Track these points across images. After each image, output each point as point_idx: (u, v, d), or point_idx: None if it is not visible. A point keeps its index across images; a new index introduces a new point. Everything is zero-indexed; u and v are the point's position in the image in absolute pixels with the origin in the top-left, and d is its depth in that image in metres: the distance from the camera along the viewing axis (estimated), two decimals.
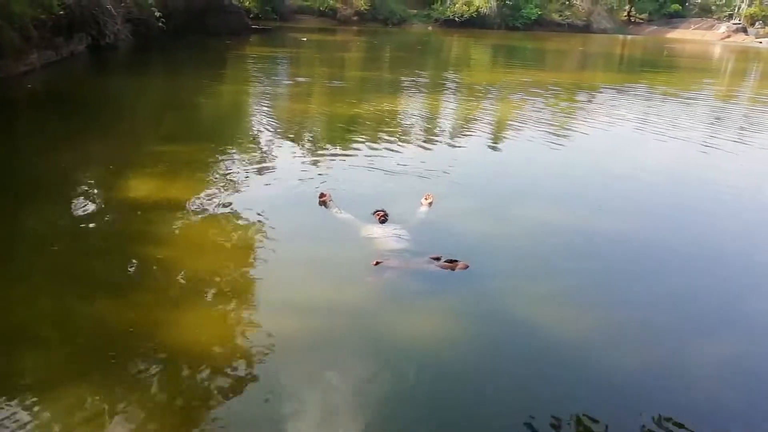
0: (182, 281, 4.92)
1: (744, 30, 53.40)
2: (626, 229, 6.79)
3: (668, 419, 3.68)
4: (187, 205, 6.44)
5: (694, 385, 4.14)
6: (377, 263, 5.12)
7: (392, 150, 9.35)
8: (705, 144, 11.37)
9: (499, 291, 5.17)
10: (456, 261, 5.18)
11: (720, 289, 5.64)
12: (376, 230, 5.86)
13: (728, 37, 52.32)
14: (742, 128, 13.26)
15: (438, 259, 5.22)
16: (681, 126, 12.71)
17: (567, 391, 3.95)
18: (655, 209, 7.55)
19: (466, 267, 5.15)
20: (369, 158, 8.83)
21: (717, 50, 42.99)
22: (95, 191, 6.86)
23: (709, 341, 4.72)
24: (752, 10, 55.85)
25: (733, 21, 55.60)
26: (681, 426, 3.64)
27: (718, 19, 57.78)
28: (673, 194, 8.33)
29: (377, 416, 3.58)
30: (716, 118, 14.61)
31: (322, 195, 6.58)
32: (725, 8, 59.15)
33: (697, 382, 4.18)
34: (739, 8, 57.30)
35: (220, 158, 8.37)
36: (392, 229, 5.87)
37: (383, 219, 6.08)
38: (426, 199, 6.68)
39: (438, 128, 11.61)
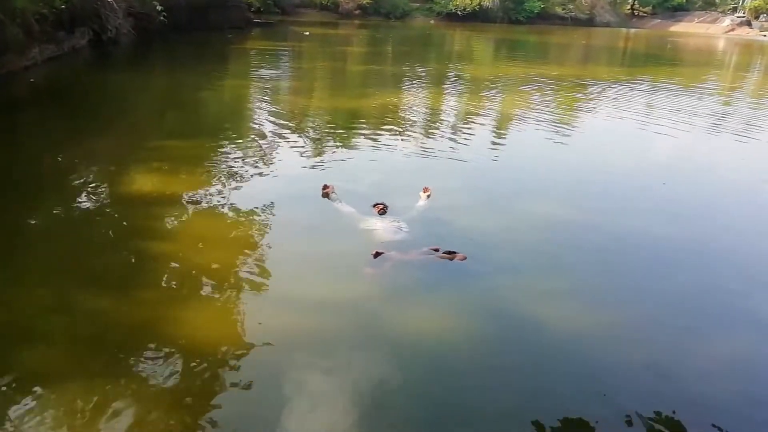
0: (185, 276, 4.94)
1: (748, 23, 53.15)
2: (631, 226, 6.73)
3: (672, 417, 3.66)
4: (189, 200, 6.47)
5: (699, 384, 4.10)
6: (377, 254, 5.15)
7: (394, 143, 9.36)
8: (711, 138, 11.37)
9: (499, 285, 5.16)
10: (454, 252, 5.21)
11: (727, 287, 5.55)
12: (376, 222, 5.90)
13: (732, 30, 52.07)
14: (747, 122, 13.20)
15: (437, 250, 5.26)
16: (686, 120, 12.65)
17: (570, 387, 3.94)
18: (661, 205, 7.48)
19: (464, 259, 5.18)
20: (371, 151, 8.86)
21: (721, 44, 42.82)
22: (97, 186, 6.88)
23: (716, 339, 4.68)
24: (756, 3, 55.53)
25: (737, 14, 55.34)
26: (685, 424, 3.62)
27: (723, 12, 57.51)
28: (681, 189, 8.29)
29: (379, 411, 3.59)
30: (721, 112, 14.55)
31: (325, 187, 6.62)
32: (729, 1, 58.84)
33: (703, 381, 4.14)
34: (743, 1, 57.00)
35: (222, 153, 8.39)
36: (392, 221, 5.91)
37: (383, 211, 6.11)
38: (425, 192, 6.70)
39: (440, 122, 11.62)
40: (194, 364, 3.87)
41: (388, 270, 5.10)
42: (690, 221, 7.09)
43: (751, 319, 5.02)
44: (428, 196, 6.64)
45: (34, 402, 3.46)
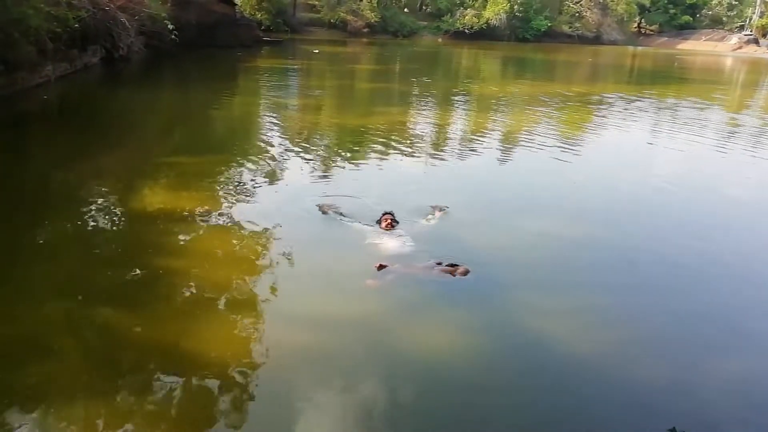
0: (192, 292, 4.97)
1: (756, 41, 53.23)
2: (637, 243, 6.69)
3: None
4: (197, 216, 6.53)
5: (704, 403, 4.05)
6: (380, 266, 5.19)
7: (401, 159, 9.43)
8: (717, 156, 11.35)
9: (503, 301, 5.15)
10: (457, 265, 5.24)
11: (733, 305, 5.49)
12: (382, 236, 5.95)
13: (740, 48, 52.16)
14: (755, 140, 13.20)
15: (440, 264, 5.29)
16: (692, 139, 12.65)
17: (574, 405, 3.91)
18: (666, 223, 7.44)
19: (467, 272, 5.20)
20: (378, 167, 8.93)
21: (728, 62, 42.85)
22: (107, 202, 6.97)
23: (722, 358, 4.61)
24: (764, 21, 55.67)
25: (744, 32, 55.47)
26: None
27: (730, 30, 57.67)
28: (686, 208, 8.25)
29: (384, 427, 3.61)
30: (728, 130, 14.54)
31: (321, 205, 6.72)
32: (736, 19, 59.02)
33: (709, 400, 4.09)
34: (750, 19, 57.14)
35: (230, 169, 8.47)
36: (397, 235, 5.95)
37: (391, 224, 6.14)
38: (434, 208, 6.74)
39: (448, 139, 11.69)
40: (202, 380, 3.88)
41: (390, 282, 5.13)
42: (700, 239, 6.98)
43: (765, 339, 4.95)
44: (442, 213, 6.68)
45: (43, 418, 3.46)
